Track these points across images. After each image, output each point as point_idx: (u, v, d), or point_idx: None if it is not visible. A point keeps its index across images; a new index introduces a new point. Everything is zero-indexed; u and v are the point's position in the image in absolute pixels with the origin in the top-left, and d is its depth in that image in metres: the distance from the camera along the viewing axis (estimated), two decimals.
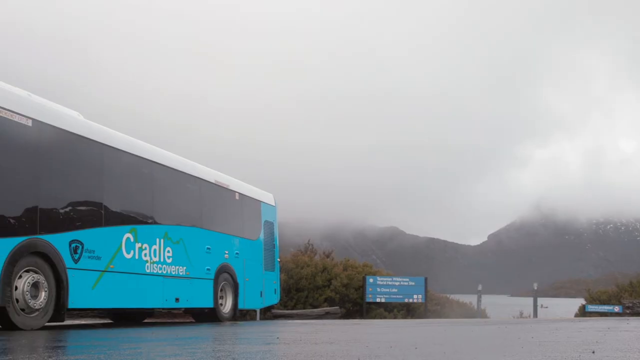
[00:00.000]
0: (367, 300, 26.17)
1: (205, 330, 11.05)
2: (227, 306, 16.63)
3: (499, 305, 49.76)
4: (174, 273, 14.18)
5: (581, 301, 38.10)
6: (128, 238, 12.76)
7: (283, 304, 24.66)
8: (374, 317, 25.63)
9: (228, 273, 16.62)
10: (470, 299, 34.82)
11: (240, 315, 18.40)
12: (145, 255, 13.25)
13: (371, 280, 26.39)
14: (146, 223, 13.49)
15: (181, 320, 18.10)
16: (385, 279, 26.90)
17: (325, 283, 26.72)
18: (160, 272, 13.70)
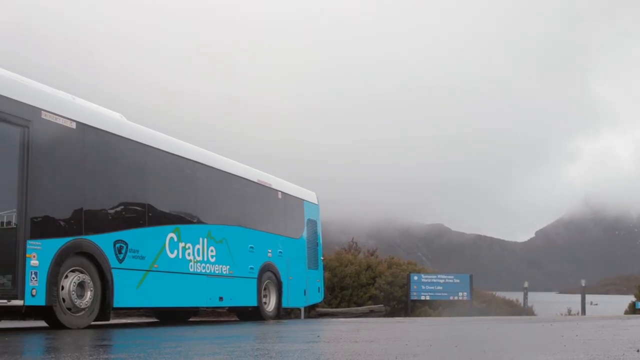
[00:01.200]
0: (412, 298, 25.99)
1: (247, 329, 11.12)
2: (270, 305, 16.70)
3: (546, 302, 49.06)
4: (217, 272, 14.28)
5: (631, 298, 37.37)
6: (172, 238, 12.89)
7: (327, 302, 24.67)
8: (419, 315, 25.48)
9: (271, 272, 16.68)
10: (517, 296, 34.41)
11: (284, 313, 18.47)
12: (188, 254, 13.37)
13: (416, 277, 26.22)
14: (189, 223, 13.62)
15: (226, 319, 18.24)
16: (429, 277, 26.71)
17: (370, 281, 26.65)
18: (203, 271, 13.81)
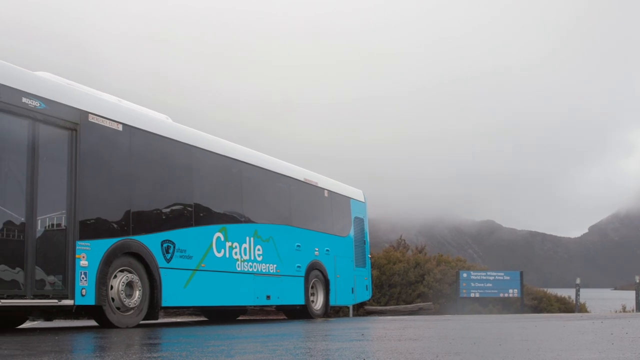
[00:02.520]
0: (461, 295, 25.76)
1: (293, 327, 11.16)
2: (318, 303, 16.73)
3: (600, 299, 48.21)
4: (264, 271, 14.36)
5: None
6: (218, 237, 13.00)
7: (376, 300, 24.62)
8: (469, 313, 25.25)
9: (319, 270, 16.72)
10: (569, 293, 33.85)
11: (332, 312, 18.49)
12: (235, 253, 13.47)
13: (465, 275, 25.98)
14: (236, 222, 13.72)
15: (274, 318, 18.33)
16: (479, 274, 26.44)
17: (418, 278, 26.51)
18: (250, 270, 13.90)
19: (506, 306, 27.02)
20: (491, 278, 26.16)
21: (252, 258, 14.01)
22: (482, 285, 25.81)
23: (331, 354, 5.24)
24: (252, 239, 14.09)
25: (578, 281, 29.50)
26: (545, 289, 31.86)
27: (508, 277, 26.31)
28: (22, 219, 9.02)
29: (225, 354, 5.19)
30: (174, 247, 11.72)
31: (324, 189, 17.68)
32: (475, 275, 26.15)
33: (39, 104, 9.35)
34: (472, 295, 25.93)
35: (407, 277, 26.27)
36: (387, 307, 23.76)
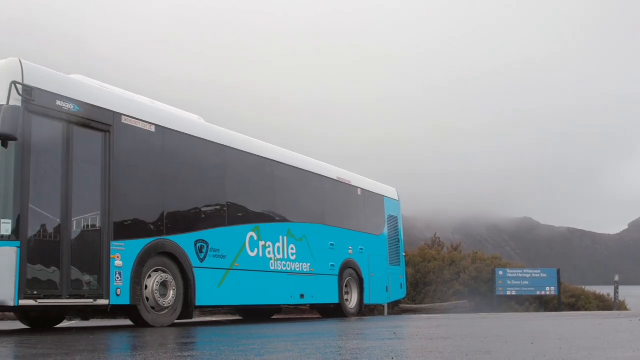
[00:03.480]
0: (497, 293, 25.57)
1: (326, 326, 11.17)
2: (352, 302, 16.72)
3: None
4: (298, 270, 14.39)
5: None
6: (252, 236, 13.06)
7: (411, 298, 24.54)
8: (505, 311, 25.05)
9: (353, 269, 16.71)
10: (608, 291, 33.38)
11: (367, 310, 18.46)
12: (269, 252, 13.52)
13: (501, 272, 25.78)
14: (269, 221, 13.77)
15: (308, 316, 18.36)
16: (515, 271, 26.21)
17: (454, 276, 26.36)
18: (284, 269, 13.94)
19: (543, 304, 26.77)
20: (528, 276, 25.93)
21: (286, 257, 14.04)
22: (519, 283, 25.59)
23: (360, 353, 5.24)
24: (285, 238, 14.12)
25: (617, 278, 29.08)
26: (583, 287, 31.46)
27: (545, 275, 26.06)
28: (58, 220, 9.16)
29: (255, 353, 5.21)
30: (208, 246, 11.80)
31: (357, 187, 17.67)
32: (512, 273, 25.93)
33: (73, 107, 9.48)
34: (509, 293, 25.72)
35: (442, 275, 26.14)
36: (422, 306, 23.67)
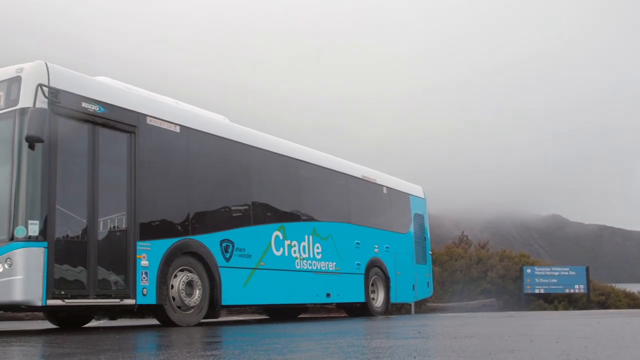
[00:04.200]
0: (525, 291, 25.41)
1: (351, 325, 11.17)
2: (379, 300, 16.69)
3: None
4: (323, 269, 14.40)
5: None
6: (277, 236, 13.09)
7: (438, 296, 24.45)
8: (533, 309, 24.88)
9: (379, 267, 16.68)
10: (639, 288, 33.04)
11: (394, 309, 18.42)
12: (294, 252, 13.54)
13: (529, 270, 25.61)
14: (294, 220, 13.79)
15: (335, 315, 18.37)
16: (543, 269, 26.03)
17: (481, 275, 26.24)
18: (310, 268, 13.95)
19: (572, 302, 26.55)
20: (556, 273, 25.73)
21: (311, 256, 14.06)
22: (547, 281, 25.41)
23: (383, 352, 5.23)
24: (311, 237, 14.13)
25: None
26: (613, 285, 31.15)
27: (574, 273, 25.84)
28: (84, 220, 9.25)
29: (277, 352, 5.23)
30: (233, 246, 11.85)
31: (383, 185, 17.64)
32: (540, 271, 25.76)
33: (98, 108, 9.57)
34: (537, 291, 25.55)
35: (470, 273, 26.04)
36: (450, 304, 23.59)
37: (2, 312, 13.74)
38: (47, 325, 12.13)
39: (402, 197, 18.57)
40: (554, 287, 25.52)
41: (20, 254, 8.45)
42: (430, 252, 20.27)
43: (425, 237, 19.58)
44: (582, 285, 25.55)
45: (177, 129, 11.01)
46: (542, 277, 25.46)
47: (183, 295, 10.57)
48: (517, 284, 26.16)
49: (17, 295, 8.42)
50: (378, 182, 17.44)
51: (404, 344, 6.04)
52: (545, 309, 25.04)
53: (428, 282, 19.62)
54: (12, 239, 8.53)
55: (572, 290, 25.66)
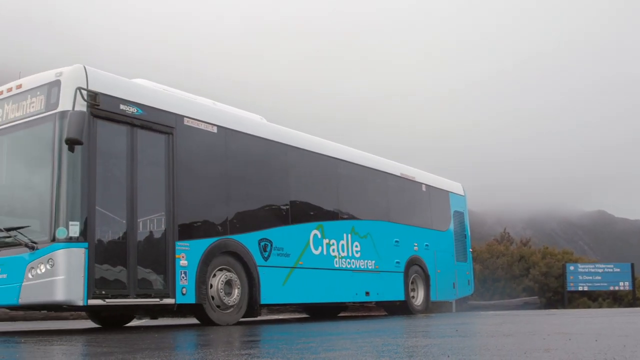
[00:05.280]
0: (569, 289, 25.08)
1: (390, 323, 11.14)
2: (418, 298, 16.63)
3: None
4: (362, 267, 14.38)
5: None
6: (315, 234, 13.12)
7: (479, 294, 24.27)
8: (577, 307, 24.57)
9: (418, 265, 16.62)
10: None
11: (435, 307, 18.33)
12: (333, 250, 13.55)
13: (572, 267, 25.28)
14: (333, 219, 13.80)
15: (375, 314, 18.34)
16: (587, 266, 25.67)
17: (523, 272, 25.97)
18: (348, 266, 13.95)
19: (617, 300, 26.15)
20: (600, 270, 25.36)
21: (350, 254, 14.05)
22: (591, 278, 25.05)
23: (417, 350, 5.22)
24: (349, 235, 14.13)
25: None
26: None
27: (618, 269, 25.44)
28: (124, 221, 9.37)
29: (311, 351, 5.24)
30: (271, 245, 11.90)
31: (422, 183, 17.57)
32: (583, 268, 25.41)
33: (136, 110, 9.69)
34: (581, 288, 25.21)
35: (512, 270, 25.79)
36: (491, 302, 23.39)
37: (46, 311, 14.01)
38: (91, 324, 12.31)
39: (441, 195, 18.48)
40: (598, 284, 25.15)
41: (61, 255, 8.60)
42: (471, 250, 20.13)
43: (465, 235, 19.45)
44: (627, 283, 25.14)
45: (215, 130, 11.09)
46: (585, 275, 25.10)
47: (222, 294, 10.65)
48: (560, 282, 25.84)
49: (59, 295, 8.57)
50: (417, 179, 17.38)
51: (439, 342, 6.01)
52: (589, 307, 24.71)
53: (469, 280, 19.49)
54: (53, 240, 8.69)
55: (616, 288, 25.25)
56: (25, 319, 16.68)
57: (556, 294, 25.94)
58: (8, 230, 9.13)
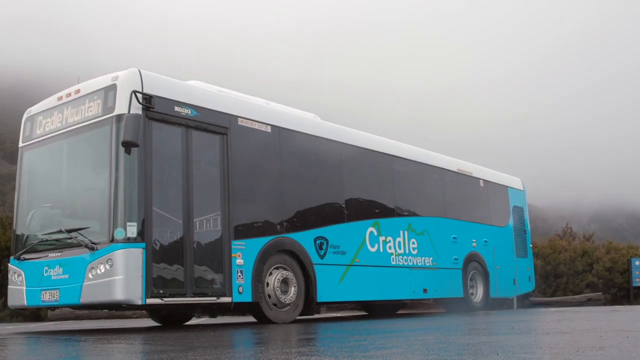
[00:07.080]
0: (635, 284, 24.50)
1: (446, 321, 11.05)
2: (478, 295, 16.46)
3: None
4: (419, 264, 14.31)
5: None
6: (371, 232, 13.10)
7: (541, 291, 23.87)
8: None
9: (477, 262, 16.45)
10: None
11: (495, 304, 18.15)
12: (389, 247, 13.51)
13: (637, 262, 24.68)
14: (389, 216, 13.75)
15: (434, 311, 18.22)
16: None
17: (586, 268, 25.42)
18: (405, 263, 13.89)
19: None
20: None
21: (407, 252, 14.00)
22: None
23: (467, 348, 5.17)
24: (406, 232, 14.07)
25: None
26: None
27: None
28: (180, 221, 9.52)
29: (361, 349, 5.25)
30: (327, 243, 11.93)
31: (479, 178, 17.39)
32: None
33: (190, 112, 9.83)
34: None
35: (574, 266, 25.27)
36: (553, 299, 22.98)
37: (108, 310, 14.33)
38: (151, 323, 12.54)
39: (499, 190, 18.26)
40: None
41: (120, 255, 8.79)
42: (531, 245, 19.83)
43: (525, 230, 19.17)
44: None
45: (269, 129, 11.18)
46: None
47: (278, 292, 10.73)
48: (625, 277, 25.24)
49: (118, 294, 8.76)
50: (474, 175, 17.21)
51: (492, 340, 5.95)
52: None
53: (529, 276, 19.21)
54: (112, 240, 8.89)
55: None
56: (89, 317, 17.10)
57: (621, 290, 25.34)
58: (69, 231, 9.38)
